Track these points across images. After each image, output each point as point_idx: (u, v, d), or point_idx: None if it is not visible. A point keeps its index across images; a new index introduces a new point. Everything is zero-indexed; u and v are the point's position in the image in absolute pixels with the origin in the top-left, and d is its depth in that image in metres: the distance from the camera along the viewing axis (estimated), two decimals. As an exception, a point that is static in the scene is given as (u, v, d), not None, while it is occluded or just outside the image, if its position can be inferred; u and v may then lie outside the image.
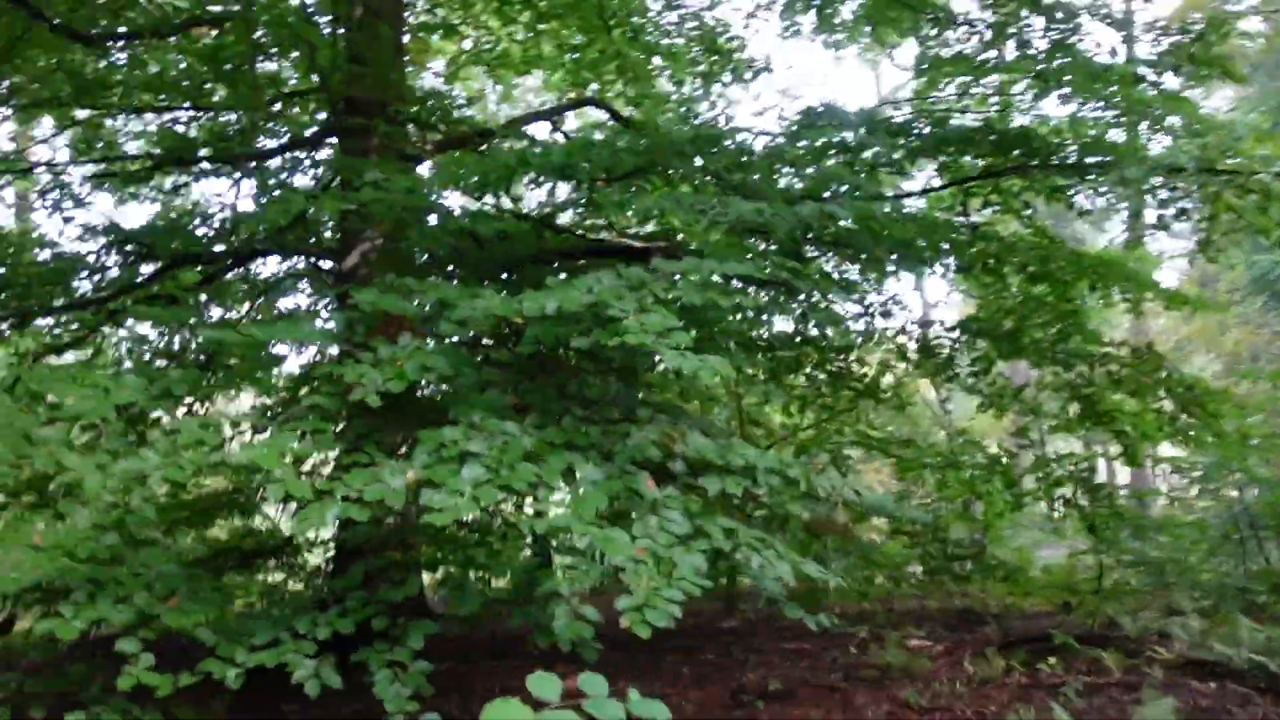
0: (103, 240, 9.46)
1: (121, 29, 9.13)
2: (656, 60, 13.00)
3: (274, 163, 10.54)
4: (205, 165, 10.09)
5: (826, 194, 6.19)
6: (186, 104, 10.36)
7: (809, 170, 7.48)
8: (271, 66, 11.32)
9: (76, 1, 9.06)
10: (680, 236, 8.55)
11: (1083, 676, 7.16)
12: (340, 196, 6.50)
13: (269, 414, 5.10)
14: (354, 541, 6.38)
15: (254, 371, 5.46)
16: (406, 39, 12.95)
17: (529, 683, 1.74)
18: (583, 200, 7.54)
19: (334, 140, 9.31)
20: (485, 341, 5.48)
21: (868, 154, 8.57)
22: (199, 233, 9.74)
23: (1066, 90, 8.77)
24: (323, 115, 10.22)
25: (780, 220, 4.80)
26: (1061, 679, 7.11)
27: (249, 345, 4.76)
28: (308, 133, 10.04)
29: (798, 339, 10.70)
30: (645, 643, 9.51)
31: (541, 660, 3.59)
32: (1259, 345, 28.57)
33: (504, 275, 6.79)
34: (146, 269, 9.93)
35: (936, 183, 9.85)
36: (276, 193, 9.60)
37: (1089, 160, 7.33)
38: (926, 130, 7.69)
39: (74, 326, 11.08)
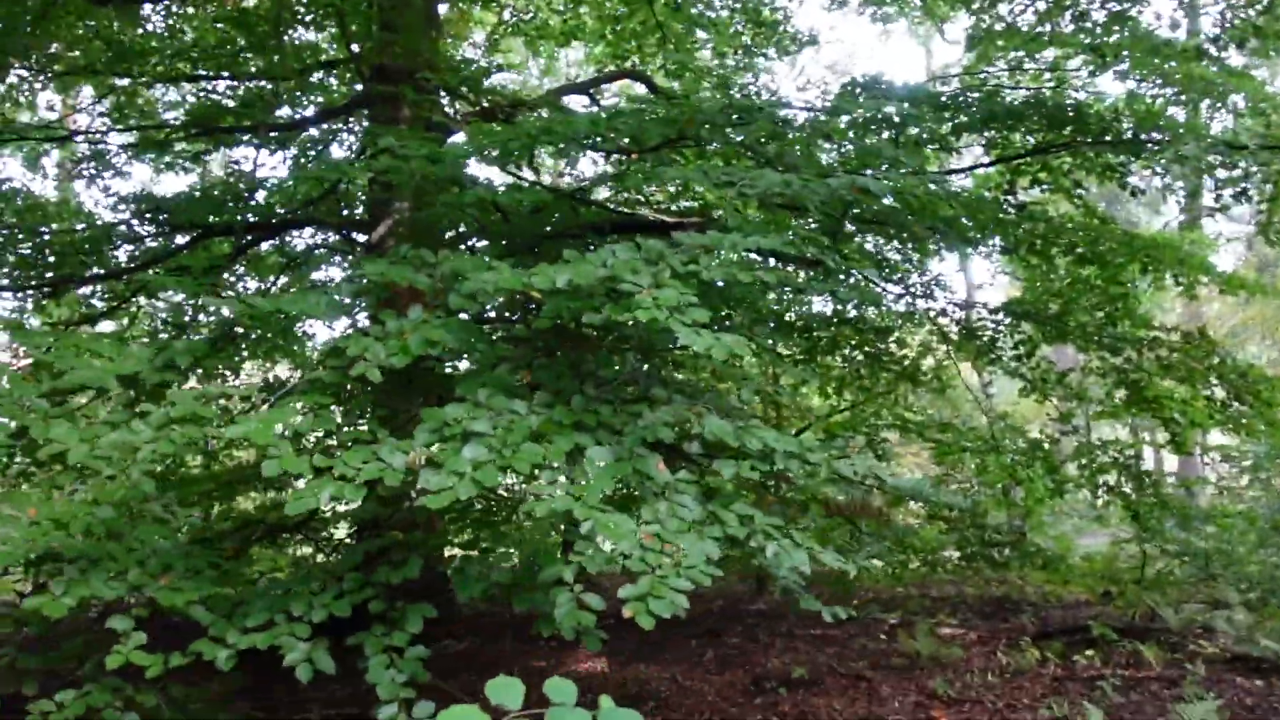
0: (133, 208, 9.42)
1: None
2: (700, 34, 12.73)
3: (310, 133, 10.49)
4: (239, 135, 10.01)
5: (868, 171, 5.95)
6: (222, 74, 10.28)
7: (849, 146, 7.22)
8: (309, 37, 11.26)
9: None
10: (717, 213, 8.34)
11: (1121, 670, 6.94)
12: (356, 165, 6.38)
13: (275, 389, 4.98)
14: (371, 517, 6.32)
15: (263, 345, 5.36)
16: (445, 9, 12.83)
17: (488, 689, 1.58)
18: (612, 174, 7.34)
19: (366, 111, 9.20)
20: (507, 315, 5.34)
21: (912, 130, 8.30)
22: (231, 204, 9.67)
23: (1124, 66, 8.41)
24: (359, 86, 10.12)
25: (810, 193, 4.58)
26: (1099, 672, 6.89)
27: (255, 317, 4.65)
28: (341, 103, 9.93)
29: (835, 319, 10.48)
30: (669, 626, 9.43)
31: (560, 643, 3.47)
32: (1318, 332, 27.75)
33: (533, 250, 6.64)
34: (181, 240, 9.92)
35: (984, 161, 9.55)
36: (309, 164, 9.55)
37: (1144, 138, 6.98)
38: (974, 104, 7.37)
39: (108, 296, 11.14)
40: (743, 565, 9.24)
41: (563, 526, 6.26)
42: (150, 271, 8.62)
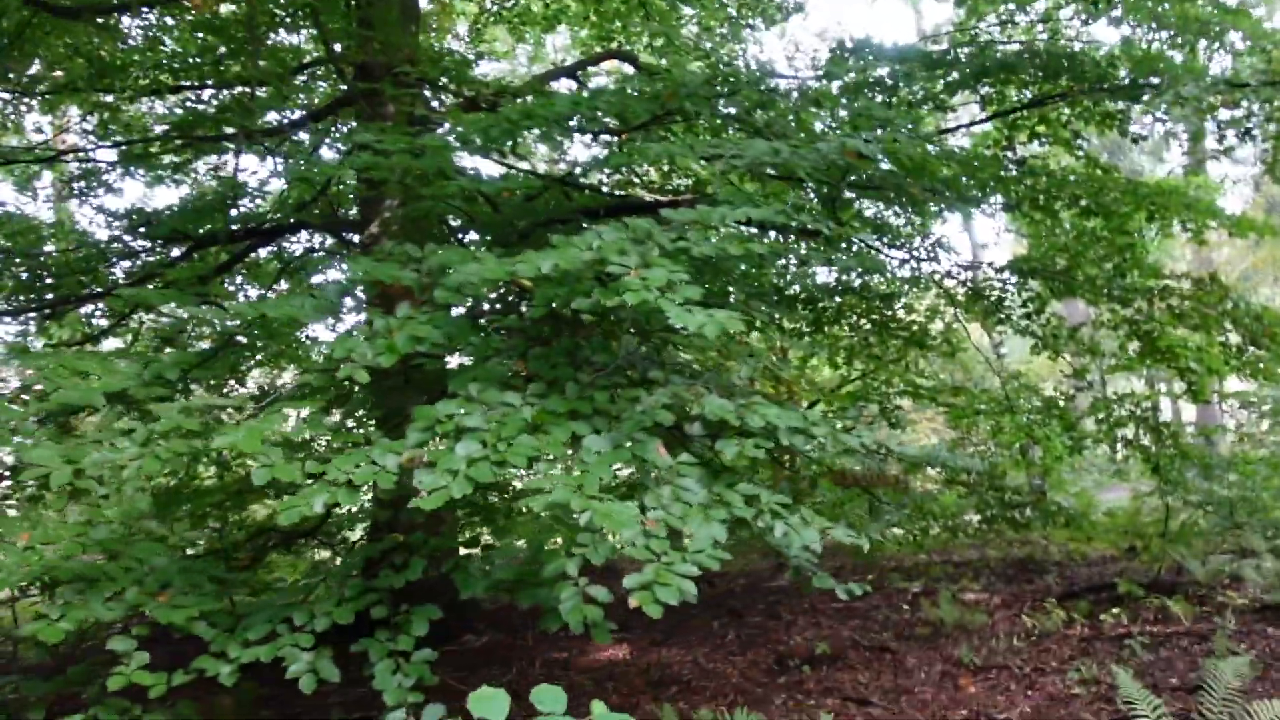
0: (124, 224, 9.35)
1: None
2: (685, 10, 12.54)
3: (299, 138, 10.38)
4: (226, 143, 9.91)
5: (863, 135, 5.82)
6: (205, 82, 10.17)
7: (842, 112, 7.08)
8: (292, 40, 11.13)
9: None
10: (711, 190, 8.20)
11: (1149, 627, 6.83)
12: (340, 164, 6.28)
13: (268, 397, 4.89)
14: (386, 519, 6.24)
15: (267, 353, 5.29)
16: (425, 3, 12.67)
17: (470, 701, 1.49)
18: (600, 156, 7.21)
19: (352, 110, 9.08)
20: (497, 307, 5.22)
21: (905, 90, 8.14)
22: (219, 213, 9.59)
23: (1118, 11, 8.23)
24: (344, 87, 10.00)
25: (800, 159, 4.46)
26: (1126, 630, 6.78)
27: (253, 324, 4.56)
28: (325, 105, 9.82)
29: (840, 288, 10.35)
30: (691, 608, 9.34)
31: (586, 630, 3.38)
32: (1332, 270, 27.45)
33: (525, 239, 6.53)
34: (177, 253, 9.85)
35: (980, 119, 9.38)
36: (298, 166, 9.45)
37: (1142, 82, 6.81)
38: (966, 59, 7.20)
39: (109, 314, 11.08)
40: (764, 543, 9.16)
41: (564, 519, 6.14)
42: (138, 287, 8.52)
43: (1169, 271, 9.65)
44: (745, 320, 5.18)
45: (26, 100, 11.17)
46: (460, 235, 7.11)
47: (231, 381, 9.64)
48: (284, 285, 11.51)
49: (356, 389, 5.15)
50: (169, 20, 10.67)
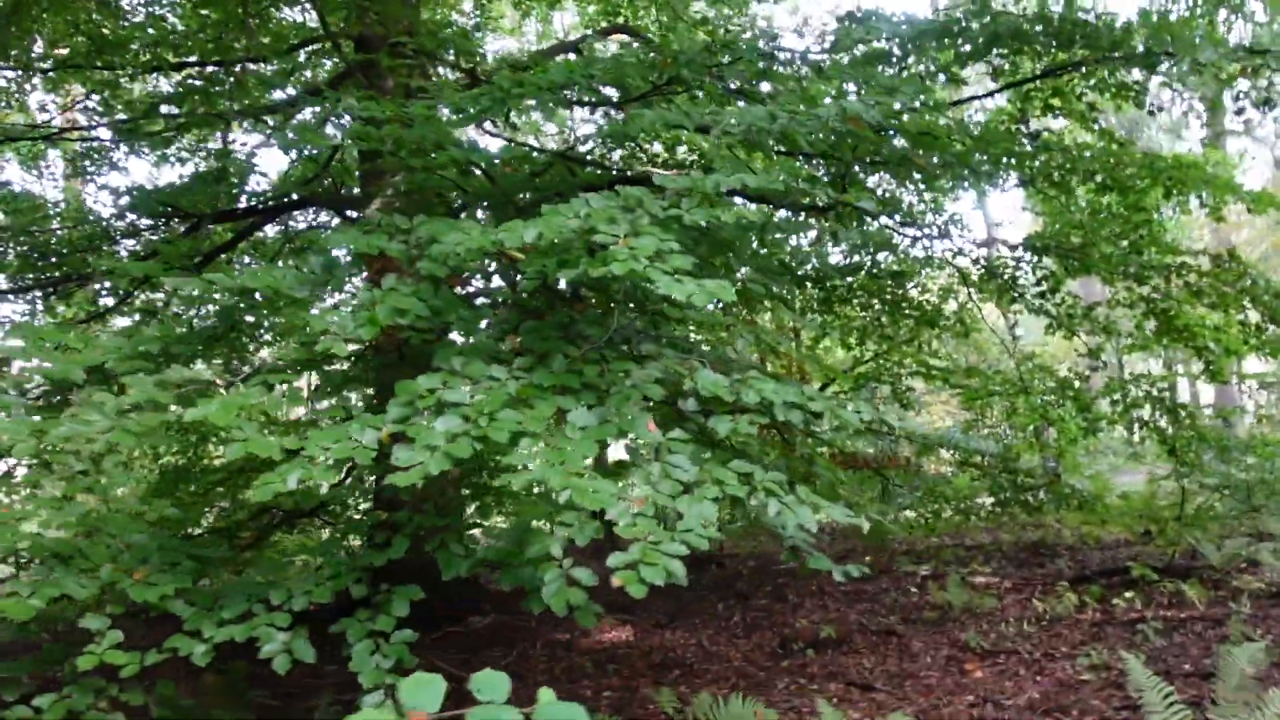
0: (126, 202, 9.25)
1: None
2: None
3: (305, 116, 10.23)
4: (226, 120, 9.78)
5: (869, 102, 5.63)
6: (209, 59, 10.05)
7: (850, 85, 6.89)
8: (292, 16, 10.98)
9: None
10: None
11: (1163, 611, 6.68)
12: (322, 134, 6.16)
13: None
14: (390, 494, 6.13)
15: (275, 330, 5.19)
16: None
17: (402, 689, 1.36)
18: (596, 129, 7.06)
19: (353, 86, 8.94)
20: (483, 276, 5.08)
21: (915, 64, 7.93)
22: (226, 188, 9.48)
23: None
24: (345, 65, 9.84)
25: (798, 125, 4.29)
26: (1139, 614, 6.63)
27: (260, 299, 4.44)
28: (329, 80, 9.67)
29: (850, 266, 10.19)
30: (697, 590, 9.24)
31: None
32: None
33: (524, 213, 6.37)
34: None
35: (993, 90, 9.15)
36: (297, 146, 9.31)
37: (1159, 50, 6.57)
38: (976, 27, 6.98)
39: (116, 292, 10.99)
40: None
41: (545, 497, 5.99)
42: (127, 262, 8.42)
43: (1186, 248, 9.41)
44: (758, 295, 5.03)
45: (25, 77, 11.05)
46: (461, 212, 6.96)
47: (236, 362, 9.56)
48: (292, 264, 11.42)
49: (343, 365, 5.06)
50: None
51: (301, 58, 10.46)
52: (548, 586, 3.15)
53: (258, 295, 4.90)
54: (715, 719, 4.90)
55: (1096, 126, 9.38)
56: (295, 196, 9.95)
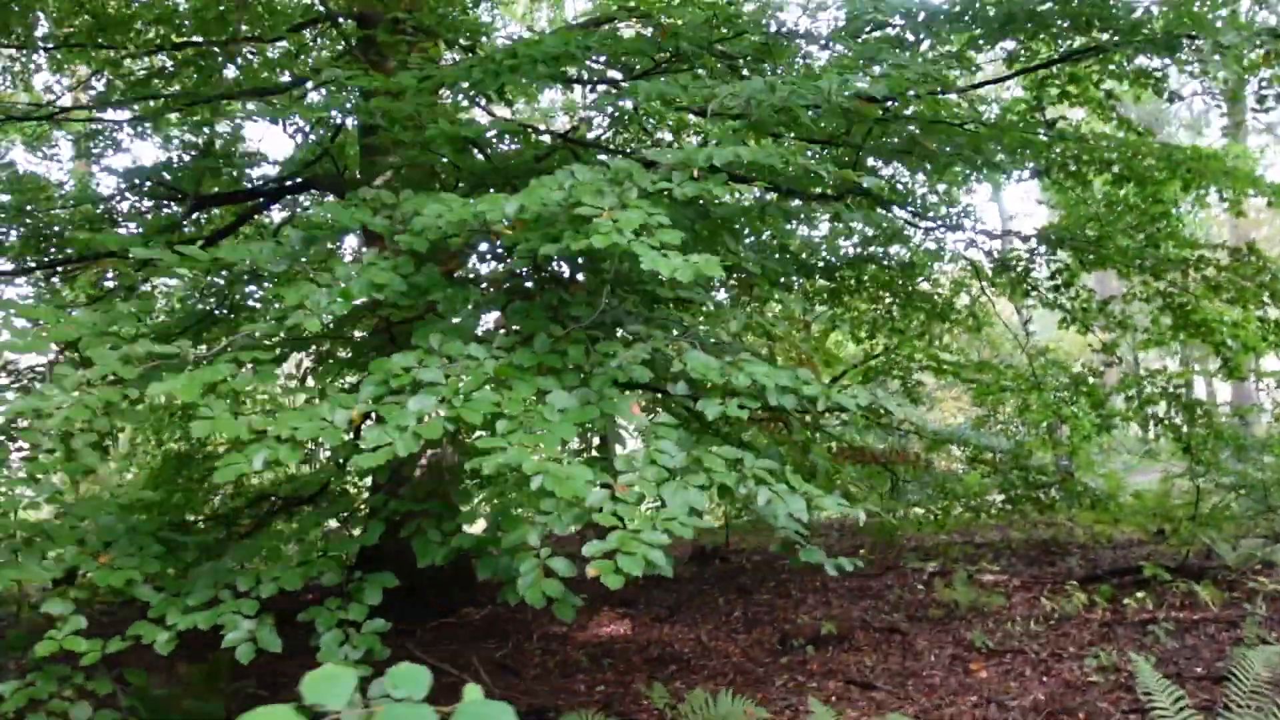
0: (128, 183, 9.14)
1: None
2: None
3: (313, 98, 10.11)
4: (229, 101, 9.67)
5: (875, 70, 5.44)
6: (210, 39, 9.92)
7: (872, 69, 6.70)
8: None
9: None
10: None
11: (1175, 612, 6.48)
12: (309, 105, 6.02)
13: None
14: (386, 479, 6.01)
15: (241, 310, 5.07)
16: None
17: (303, 685, 1.21)
18: (607, 107, 6.88)
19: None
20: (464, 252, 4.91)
21: (928, 48, 7.73)
22: (230, 167, 9.38)
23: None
24: (341, 47, 9.69)
25: (798, 98, 4.11)
26: (1151, 615, 6.43)
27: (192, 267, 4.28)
28: (333, 60, 9.54)
29: (861, 256, 10.01)
30: (700, 584, 9.08)
31: (585, 604, 3.08)
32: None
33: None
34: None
35: (1006, 75, 8.93)
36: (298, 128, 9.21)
37: (1179, 33, 6.35)
38: (990, 6, 6.76)
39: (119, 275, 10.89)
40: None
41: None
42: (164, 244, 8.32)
43: (1204, 240, 9.18)
44: (755, 274, 4.86)
45: (27, 56, 10.96)
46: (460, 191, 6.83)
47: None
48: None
49: (328, 345, 4.92)
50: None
51: (308, 36, 10.34)
52: (523, 577, 2.99)
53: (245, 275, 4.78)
54: (707, 717, 4.75)
55: (1113, 115, 9.16)
56: (300, 180, 9.83)
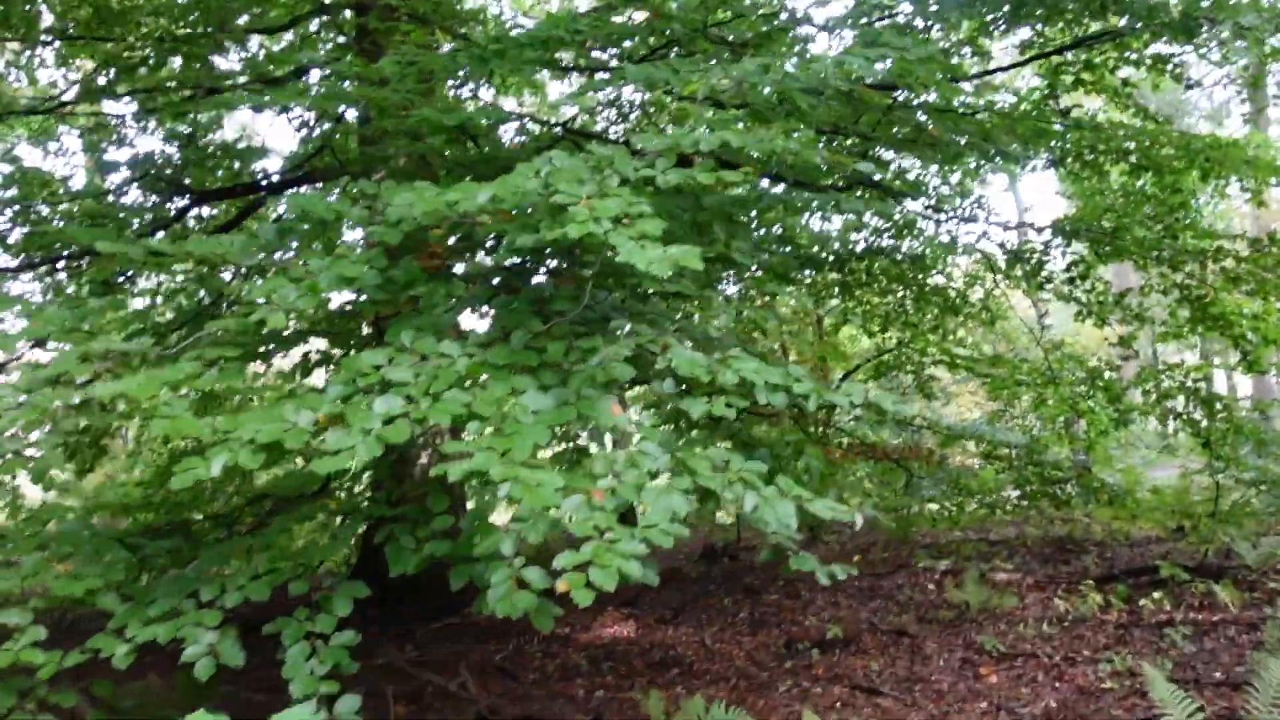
0: (131, 177, 9.05)
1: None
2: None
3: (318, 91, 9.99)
4: (233, 93, 9.55)
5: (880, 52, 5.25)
6: (210, 28, 9.81)
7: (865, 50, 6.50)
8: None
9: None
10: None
11: (1193, 614, 6.27)
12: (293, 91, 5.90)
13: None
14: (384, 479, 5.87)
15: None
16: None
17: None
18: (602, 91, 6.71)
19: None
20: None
21: (938, 35, 7.54)
22: (229, 164, 9.28)
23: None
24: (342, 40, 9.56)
25: (794, 81, 3.93)
26: (1168, 617, 6.23)
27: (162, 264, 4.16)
28: (332, 52, 9.41)
29: (870, 249, 9.82)
30: (706, 582, 8.91)
31: (591, 603, 2.92)
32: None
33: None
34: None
35: (1021, 62, 8.72)
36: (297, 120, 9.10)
37: (1197, 15, 6.11)
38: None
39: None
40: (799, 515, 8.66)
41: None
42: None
43: (1223, 231, 8.94)
44: (744, 265, 4.69)
45: (26, 48, 10.88)
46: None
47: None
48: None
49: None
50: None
51: (314, 26, 10.20)
52: (494, 589, 2.84)
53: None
54: (702, 726, 4.59)
55: (1131, 105, 8.92)
56: (302, 173, 9.72)
